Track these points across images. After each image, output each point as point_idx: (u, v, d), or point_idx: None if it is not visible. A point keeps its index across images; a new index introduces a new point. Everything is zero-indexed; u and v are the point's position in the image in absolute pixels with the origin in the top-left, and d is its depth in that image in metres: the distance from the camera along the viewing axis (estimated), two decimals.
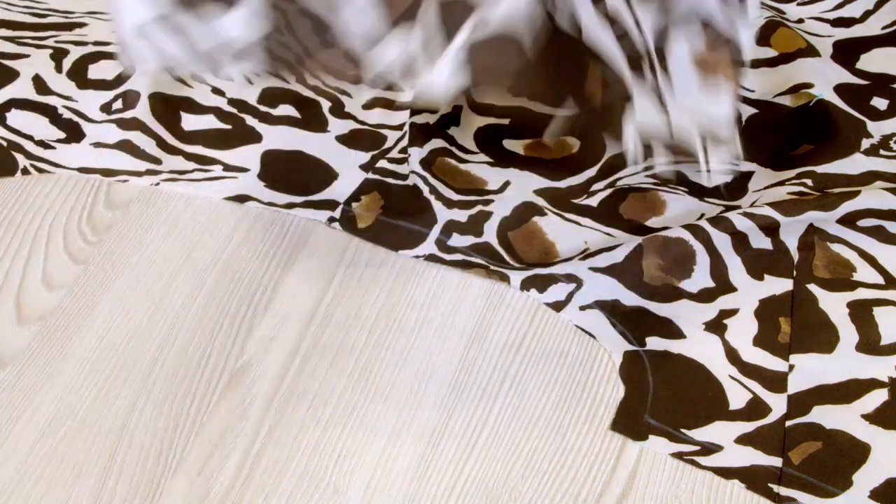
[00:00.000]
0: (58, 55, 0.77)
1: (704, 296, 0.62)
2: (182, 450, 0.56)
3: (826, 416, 0.56)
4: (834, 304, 0.61)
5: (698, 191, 0.68)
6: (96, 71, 0.76)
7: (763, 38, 0.75)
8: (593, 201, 0.68)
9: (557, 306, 0.62)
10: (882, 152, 0.69)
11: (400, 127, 0.73)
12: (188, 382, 0.59)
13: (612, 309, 0.62)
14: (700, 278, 0.63)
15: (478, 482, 0.55)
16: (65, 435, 0.57)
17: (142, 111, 0.72)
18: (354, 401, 0.58)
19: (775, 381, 0.58)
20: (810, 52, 0.74)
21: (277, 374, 0.60)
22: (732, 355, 0.60)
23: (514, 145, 0.72)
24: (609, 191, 0.68)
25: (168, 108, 0.74)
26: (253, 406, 0.58)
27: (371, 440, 0.57)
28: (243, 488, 0.55)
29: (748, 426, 0.56)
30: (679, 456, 0.55)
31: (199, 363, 0.60)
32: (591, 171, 0.70)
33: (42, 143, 0.72)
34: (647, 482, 0.55)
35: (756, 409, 0.57)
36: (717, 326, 0.61)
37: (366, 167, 0.70)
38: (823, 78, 0.73)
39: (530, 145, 0.72)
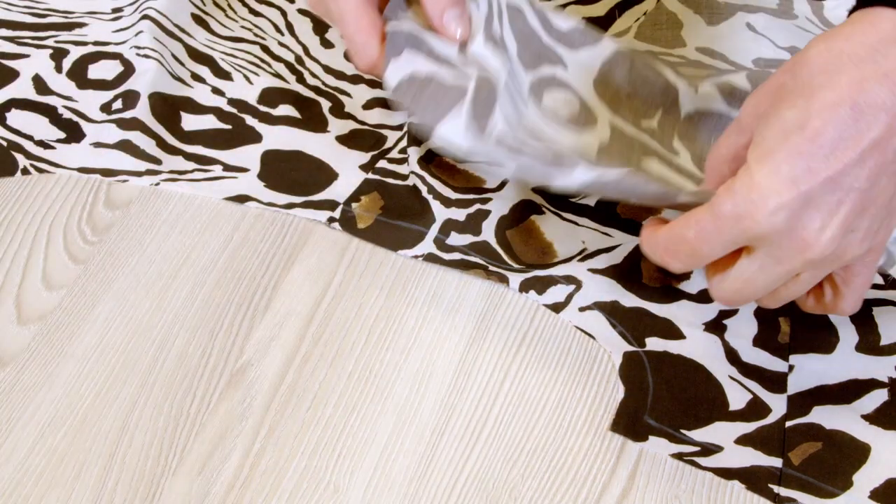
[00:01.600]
0: (58, 55, 0.77)
1: (704, 296, 0.62)
2: (182, 450, 0.56)
3: (826, 416, 0.56)
4: None
5: None
6: (96, 71, 0.76)
7: None
8: (591, 200, 0.68)
9: (557, 308, 0.62)
10: None
11: (400, 127, 0.73)
12: (188, 382, 0.59)
13: (611, 310, 0.62)
14: (699, 279, 0.63)
15: (478, 482, 0.55)
16: (65, 434, 0.57)
17: (142, 111, 0.72)
18: (354, 401, 0.58)
19: (775, 382, 0.58)
20: None
21: (277, 374, 0.60)
22: (732, 355, 0.60)
23: None
24: None
25: (168, 108, 0.74)
26: (253, 406, 0.58)
27: (371, 440, 0.57)
28: (243, 488, 0.55)
29: (748, 427, 0.56)
30: (679, 456, 0.55)
31: (199, 363, 0.60)
32: None
33: (42, 143, 0.72)
34: (647, 482, 0.55)
35: (756, 409, 0.57)
36: (716, 326, 0.61)
37: (366, 167, 0.70)
38: None
39: None
